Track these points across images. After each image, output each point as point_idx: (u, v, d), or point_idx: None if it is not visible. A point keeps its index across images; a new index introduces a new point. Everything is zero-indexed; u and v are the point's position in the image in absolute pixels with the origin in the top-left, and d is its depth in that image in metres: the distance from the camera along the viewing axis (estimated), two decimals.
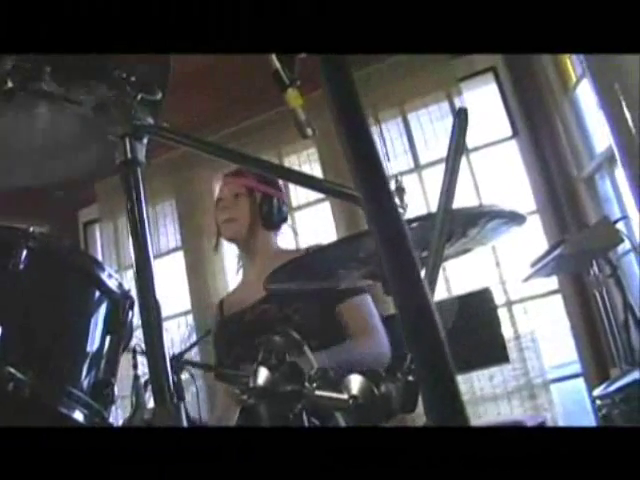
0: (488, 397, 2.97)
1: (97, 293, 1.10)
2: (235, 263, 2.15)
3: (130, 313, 1.14)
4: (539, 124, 3.26)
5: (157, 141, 0.95)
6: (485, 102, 3.45)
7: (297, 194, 3.60)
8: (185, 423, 0.79)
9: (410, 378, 0.86)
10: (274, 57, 0.89)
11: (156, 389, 0.80)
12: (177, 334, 3.63)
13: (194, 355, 2.68)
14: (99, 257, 3.88)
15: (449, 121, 2.91)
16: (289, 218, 2.14)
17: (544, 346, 3.02)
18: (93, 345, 1.08)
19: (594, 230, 2.45)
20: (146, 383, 1.35)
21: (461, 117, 0.89)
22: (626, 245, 2.50)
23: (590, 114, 2.92)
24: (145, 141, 0.92)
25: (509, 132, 3.36)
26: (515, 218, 1.06)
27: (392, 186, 1.03)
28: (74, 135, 1.10)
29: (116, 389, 1.07)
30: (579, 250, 2.37)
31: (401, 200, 1.00)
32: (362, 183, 0.45)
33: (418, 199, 3.28)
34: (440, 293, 2.92)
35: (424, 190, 3.36)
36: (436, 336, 0.42)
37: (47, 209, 3.49)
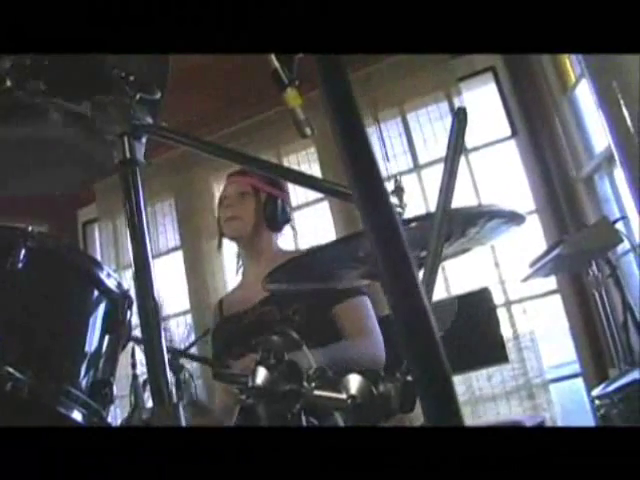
0: (487, 397, 2.98)
1: (96, 292, 1.10)
2: (234, 263, 2.14)
3: (129, 312, 1.14)
4: (538, 124, 3.26)
5: (156, 141, 0.95)
6: (484, 102, 3.45)
7: (296, 194, 3.60)
8: (184, 423, 0.79)
9: (409, 378, 0.86)
10: (273, 57, 0.89)
11: (155, 389, 0.80)
12: (176, 333, 3.64)
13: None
14: (98, 257, 3.88)
15: (448, 121, 2.90)
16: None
17: (543, 346, 3.02)
18: (92, 345, 1.07)
19: (593, 230, 2.45)
20: (145, 383, 1.35)
21: (460, 117, 0.89)
22: (625, 245, 2.49)
23: (589, 114, 2.92)
24: (144, 141, 0.92)
25: (508, 132, 3.37)
26: (514, 218, 1.06)
27: (391, 186, 1.03)
28: (70, 148, 1.10)
29: (115, 389, 1.07)
30: (578, 250, 2.37)
31: (400, 200, 1.00)
32: (357, 183, 0.45)
33: (417, 199, 3.29)
34: (439, 293, 2.92)
35: (423, 190, 3.36)
36: (431, 337, 0.42)
37: (46, 209, 3.48)
